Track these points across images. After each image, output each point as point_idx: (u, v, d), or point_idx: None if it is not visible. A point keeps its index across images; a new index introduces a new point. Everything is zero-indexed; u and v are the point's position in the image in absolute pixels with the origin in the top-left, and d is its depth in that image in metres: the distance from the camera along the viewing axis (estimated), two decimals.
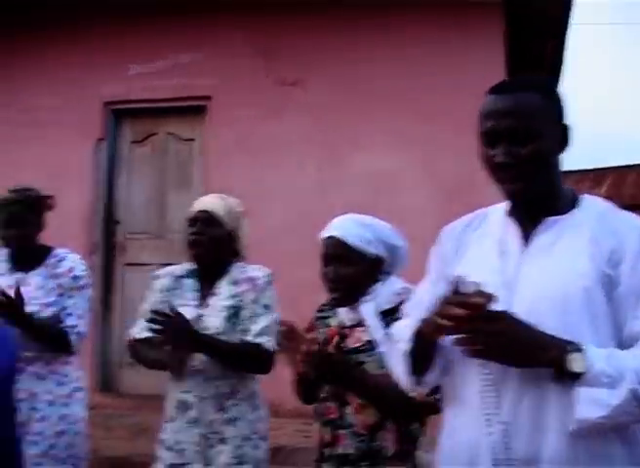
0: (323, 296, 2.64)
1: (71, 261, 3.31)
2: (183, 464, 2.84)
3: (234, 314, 2.88)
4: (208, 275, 2.98)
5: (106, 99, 6.49)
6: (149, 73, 6.37)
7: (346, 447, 2.40)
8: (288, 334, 2.35)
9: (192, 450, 2.83)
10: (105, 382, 6.28)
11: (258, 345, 2.82)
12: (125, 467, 4.37)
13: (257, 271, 2.97)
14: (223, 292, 2.93)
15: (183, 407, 2.87)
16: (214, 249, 2.94)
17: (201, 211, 2.95)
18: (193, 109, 6.40)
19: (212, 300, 2.92)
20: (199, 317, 2.87)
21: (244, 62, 6.20)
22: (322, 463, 2.49)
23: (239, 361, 2.84)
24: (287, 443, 4.97)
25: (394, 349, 1.89)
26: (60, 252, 3.37)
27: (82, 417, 3.27)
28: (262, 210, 5.60)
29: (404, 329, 1.85)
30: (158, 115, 6.52)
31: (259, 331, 2.84)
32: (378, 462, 2.36)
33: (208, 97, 6.28)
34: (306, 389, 2.59)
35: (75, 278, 3.26)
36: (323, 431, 2.50)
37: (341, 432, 2.42)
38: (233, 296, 2.91)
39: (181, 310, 2.82)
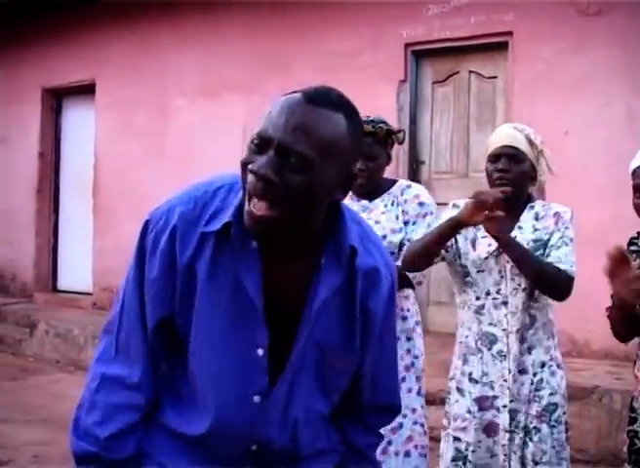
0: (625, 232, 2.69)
1: (417, 189, 3.37)
2: (494, 397, 2.90)
3: (536, 248, 2.86)
4: (509, 210, 2.90)
5: (407, 41, 6.49)
6: (448, 12, 6.25)
7: None
8: (616, 258, 2.33)
9: (499, 384, 2.89)
10: None
11: (559, 269, 2.80)
12: (436, 403, 4.57)
13: (559, 208, 2.93)
14: (527, 227, 2.91)
15: (489, 339, 2.91)
16: (519, 185, 2.91)
17: (505, 146, 2.90)
18: (494, 46, 6.20)
19: (515, 233, 2.90)
20: (497, 250, 2.87)
21: None
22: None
23: (541, 278, 2.82)
24: (599, 383, 4.90)
25: None
26: (403, 182, 3.46)
27: (421, 352, 3.35)
28: (564, 146, 5.45)
29: None
30: (459, 54, 6.41)
31: (562, 257, 2.81)
32: None
33: (509, 33, 6.03)
34: (629, 323, 2.56)
35: (421, 204, 3.29)
36: None
37: None
38: (537, 230, 2.90)
39: (482, 241, 2.90)
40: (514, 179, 2.88)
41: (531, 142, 2.91)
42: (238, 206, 1.50)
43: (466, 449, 2.93)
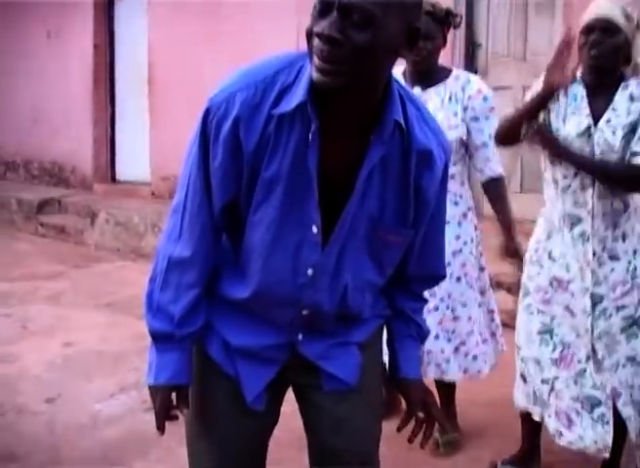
0: None
1: (478, 83, 3.31)
2: (568, 281, 2.89)
3: (631, 131, 2.78)
4: (601, 87, 2.87)
5: None
6: None
7: None
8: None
9: (578, 266, 2.87)
10: None
11: (629, 165, 2.77)
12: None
13: None
14: (621, 109, 2.82)
15: (572, 220, 2.88)
16: (612, 57, 2.81)
17: (599, 18, 2.78)
18: None
19: (608, 115, 2.82)
20: (588, 129, 2.82)
21: None
22: None
23: (620, 181, 2.81)
24: None
25: None
26: (461, 74, 3.36)
27: (472, 238, 3.35)
28: None
29: None
30: None
31: None
32: None
33: None
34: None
35: (485, 99, 3.26)
36: None
37: None
38: (630, 113, 2.80)
39: (572, 119, 2.84)
40: (606, 53, 2.76)
41: (627, 16, 2.77)
42: (307, 85, 1.51)
43: (551, 322, 2.93)
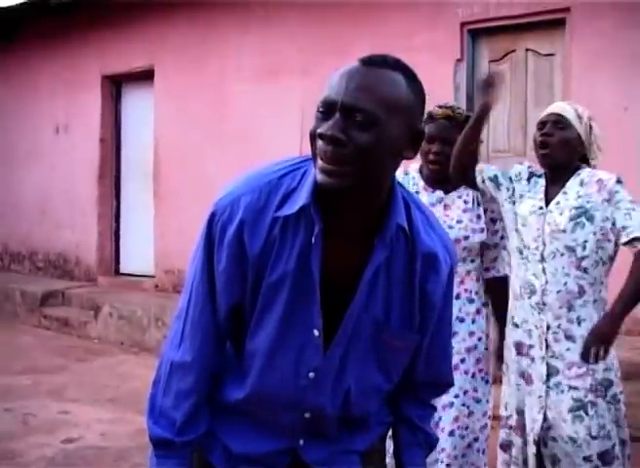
0: None
1: None
2: (529, 346, 3.00)
3: (578, 215, 2.91)
4: (556, 177, 3.04)
5: (463, 20, 6.45)
6: None
7: None
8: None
9: (537, 334, 2.98)
10: None
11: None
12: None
13: (603, 175, 2.97)
14: (571, 193, 2.97)
15: (530, 288, 3.00)
16: (562, 150, 2.97)
17: (551, 114, 3.01)
18: (551, 23, 6.12)
19: (558, 198, 2.99)
20: (540, 209, 2.99)
21: None
22: None
23: None
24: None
25: None
26: None
27: (487, 333, 3.36)
28: (624, 122, 5.43)
29: None
30: (515, 32, 6.34)
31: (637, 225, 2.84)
32: None
33: (567, 9, 5.94)
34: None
35: None
36: None
37: None
38: (580, 197, 2.95)
39: (527, 200, 3.04)
40: (557, 145, 2.94)
41: (578, 115, 2.98)
42: (311, 189, 1.53)
43: (515, 389, 3.09)
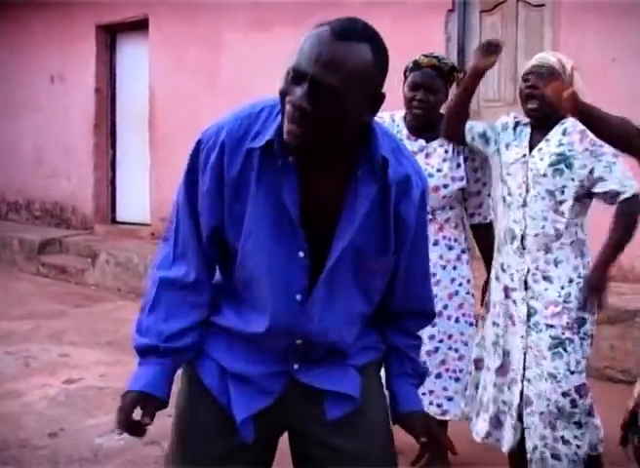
0: None
1: None
2: (512, 289, 3.16)
3: (558, 161, 3.04)
4: (542, 127, 3.15)
5: None
6: None
7: None
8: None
9: (518, 277, 3.14)
10: None
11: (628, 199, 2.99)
12: None
13: None
14: (553, 140, 3.09)
15: (511, 234, 3.15)
16: (549, 103, 3.00)
17: (535, 65, 3.09)
18: None
19: (541, 144, 3.11)
20: (524, 157, 3.12)
21: None
22: None
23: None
24: None
25: None
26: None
27: (468, 278, 3.50)
28: (609, 77, 5.48)
29: None
30: None
31: (620, 177, 2.98)
32: None
33: None
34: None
35: None
36: None
37: None
38: (562, 145, 3.07)
39: (513, 148, 3.17)
40: (542, 96, 2.99)
41: (562, 65, 3.05)
42: (278, 126, 1.66)
43: (500, 334, 3.21)
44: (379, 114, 3.39)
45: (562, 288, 3.07)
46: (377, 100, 1.66)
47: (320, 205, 1.72)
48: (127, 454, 3.81)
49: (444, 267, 3.42)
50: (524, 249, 3.11)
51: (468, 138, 3.28)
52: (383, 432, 1.91)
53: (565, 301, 3.06)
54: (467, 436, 3.42)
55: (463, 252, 3.49)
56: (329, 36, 1.57)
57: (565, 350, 3.04)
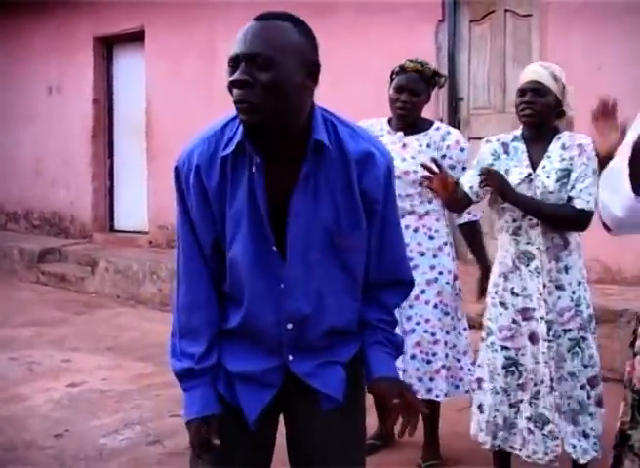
0: None
1: (456, 135, 3.71)
2: (532, 309, 3.22)
3: (563, 177, 3.16)
4: (537, 140, 3.27)
5: None
6: None
7: None
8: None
9: (536, 297, 3.21)
10: None
11: (570, 207, 3.13)
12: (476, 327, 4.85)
13: (582, 139, 3.22)
14: (554, 156, 3.21)
15: (527, 256, 3.23)
16: (544, 116, 3.21)
17: (529, 81, 3.21)
18: None
19: (544, 162, 3.21)
20: (529, 176, 3.20)
21: None
22: None
23: (550, 221, 3.18)
24: (629, 307, 5.13)
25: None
26: (441, 126, 3.75)
27: (449, 269, 3.64)
28: (594, 85, 5.56)
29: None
30: None
31: (582, 191, 3.13)
32: None
33: None
34: None
35: (462, 150, 3.64)
36: None
37: None
38: (564, 160, 3.19)
39: (514, 170, 3.23)
40: (539, 111, 3.18)
41: (555, 78, 3.19)
42: (243, 127, 1.83)
43: (516, 355, 3.26)
44: (366, 121, 3.56)
45: (573, 292, 3.21)
46: (312, 68, 1.81)
47: (283, 199, 1.86)
48: (131, 453, 3.94)
49: (423, 254, 3.59)
50: (541, 265, 3.20)
51: (474, 198, 3.36)
52: (353, 426, 2.07)
53: (577, 304, 3.21)
54: (461, 432, 3.53)
55: (445, 244, 3.65)
56: (253, 22, 1.78)
57: (580, 348, 3.20)
